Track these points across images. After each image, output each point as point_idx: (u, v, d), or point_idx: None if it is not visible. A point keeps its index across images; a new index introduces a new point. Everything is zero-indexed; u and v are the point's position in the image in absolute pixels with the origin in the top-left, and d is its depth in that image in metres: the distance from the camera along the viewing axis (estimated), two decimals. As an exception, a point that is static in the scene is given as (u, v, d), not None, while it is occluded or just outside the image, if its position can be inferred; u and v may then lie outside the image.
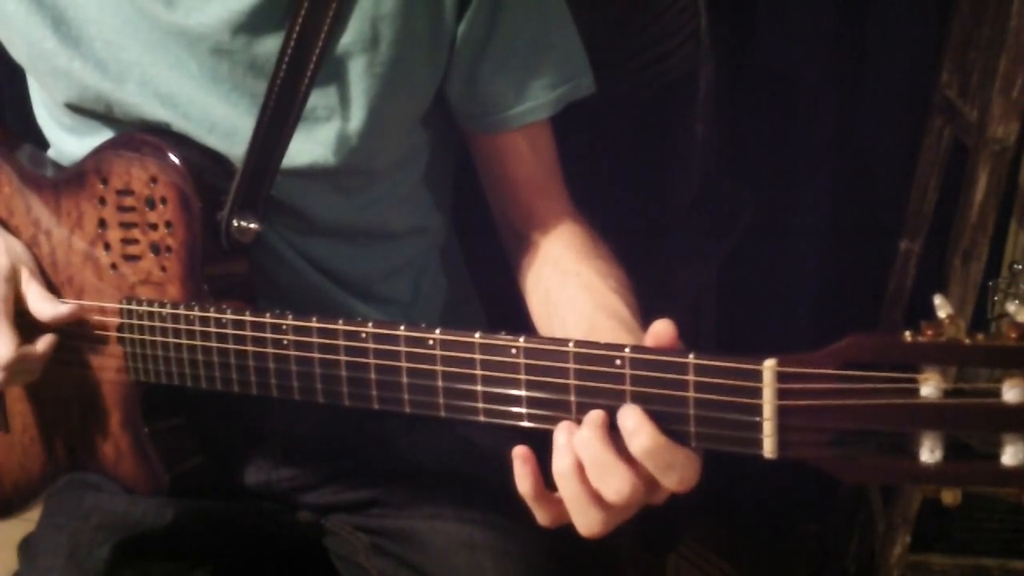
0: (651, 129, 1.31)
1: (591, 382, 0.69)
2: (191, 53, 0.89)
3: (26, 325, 0.90)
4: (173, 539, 1.00)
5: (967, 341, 0.58)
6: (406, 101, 0.93)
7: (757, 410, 0.63)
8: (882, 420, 0.60)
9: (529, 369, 0.70)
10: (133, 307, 0.89)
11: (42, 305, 0.91)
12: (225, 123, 0.90)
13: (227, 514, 1.04)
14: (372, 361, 0.76)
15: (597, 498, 0.68)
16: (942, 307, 0.60)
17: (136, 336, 0.89)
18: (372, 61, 0.89)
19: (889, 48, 1.63)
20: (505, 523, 0.99)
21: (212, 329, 0.84)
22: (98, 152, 0.92)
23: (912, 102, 1.62)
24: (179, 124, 0.90)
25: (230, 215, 0.88)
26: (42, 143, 1.04)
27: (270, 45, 0.88)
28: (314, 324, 0.79)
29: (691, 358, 0.65)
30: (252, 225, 0.88)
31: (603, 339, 0.70)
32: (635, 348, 0.67)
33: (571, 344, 0.69)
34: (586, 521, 0.70)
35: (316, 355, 0.79)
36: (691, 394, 0.65)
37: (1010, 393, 0.57)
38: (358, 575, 1.03)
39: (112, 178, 0.90)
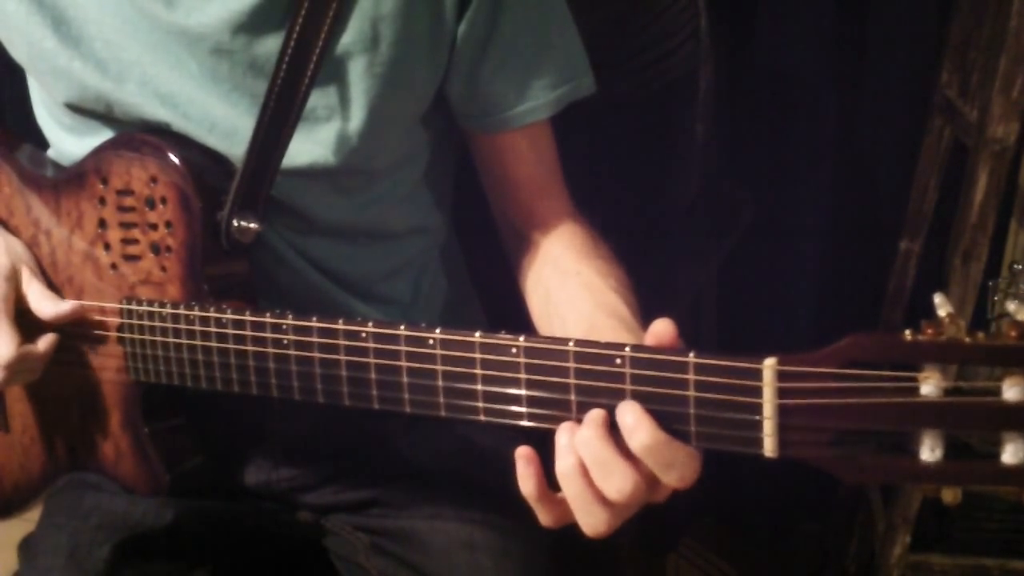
0: (651, 129, 1.31)
1: (591, 381, 0.68)
2: (191, 53, 0.89)
3: (27, 325, 0.90)
4: (173, 539, 1.00)
5: (967, 340, 0.58)
6: (406, 101, 0.93)
7: (757, 409, 0.63)
8: (882, 419, 0.60)
9: (529, 368, 0.70)
10: (133, 307, 0.89)
11: (44, 303, 0.91)
12: (225, 123, 0.90)
13: (227, 514, 1.04)
14: (372, 361, 0.76)
15: (600, 497, 0.68)
16: (942, 306, 0.60)
17: (136, 336, 0.89)
18: (372, 61, 0.89)
19: (889, 48, 1.63)
20: (505, 523, 0.99)
21: (212, 329, 0.84)
22: (98, 152, 0.92)
23: (912, 102, 1.62)
24: (179, 124, 0.90)
25: (230, 215, 0.88)
26: (42, 143, 1.04)
27: (270, 45, 0.88)
28: (314, 324, 0.79)
29: (691, 357, 0.65)
30: (252, 225, 0.88)
31: (603, 338, 0.70)
32: (635, 347, 0.67)
33: (571, 343, 0.69)
34: (591, 521, 0.70)
35: (316, 355, 0.79)
36: (691, 393, 0.65)
37: (1010, 392, 0.57)
38: (358, 575, 1.03)
39: (112, 178, 0.90)
